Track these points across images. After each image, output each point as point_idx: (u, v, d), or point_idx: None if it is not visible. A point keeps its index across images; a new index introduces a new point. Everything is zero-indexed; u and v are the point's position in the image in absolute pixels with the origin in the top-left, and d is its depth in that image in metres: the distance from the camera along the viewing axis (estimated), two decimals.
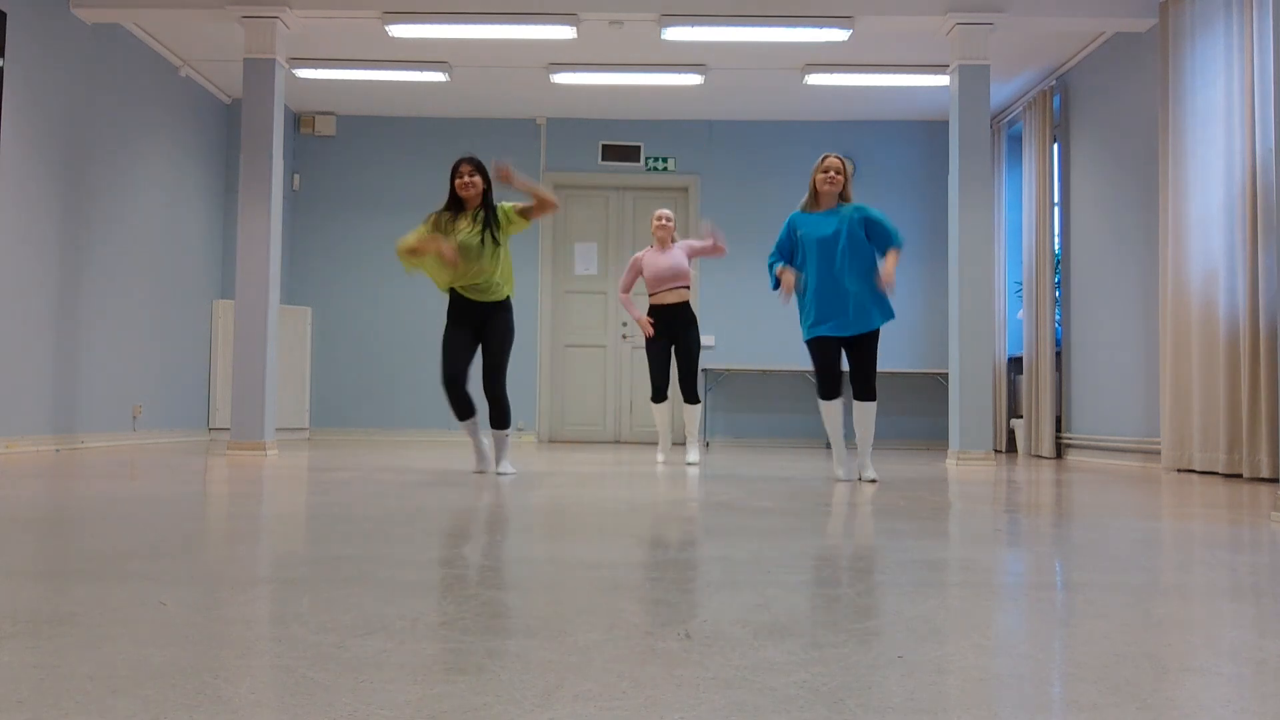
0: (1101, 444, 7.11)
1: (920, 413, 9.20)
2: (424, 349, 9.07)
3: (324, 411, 9.15)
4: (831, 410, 4.80)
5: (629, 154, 9.27)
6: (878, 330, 4.72)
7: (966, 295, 6.40)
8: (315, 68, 7.82)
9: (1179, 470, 5.89)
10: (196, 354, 8.28)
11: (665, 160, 9.27)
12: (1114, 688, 1.26)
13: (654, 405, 6.20)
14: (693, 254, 6.12)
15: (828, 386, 4.76)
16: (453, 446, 7.84)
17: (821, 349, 4.73)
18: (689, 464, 5.94)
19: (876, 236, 4.70)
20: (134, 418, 7.31)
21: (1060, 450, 7.74)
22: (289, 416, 8.76)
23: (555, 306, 9.31)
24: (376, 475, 4.63)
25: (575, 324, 9.35)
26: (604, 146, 9.27)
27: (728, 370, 9.04)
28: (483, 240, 4.78)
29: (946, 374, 8.63)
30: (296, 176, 9.20)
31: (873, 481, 4.72)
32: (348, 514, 3.04)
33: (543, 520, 2.98)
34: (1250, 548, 2.61)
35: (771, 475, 5.11)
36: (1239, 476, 5.43)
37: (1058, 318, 7.83)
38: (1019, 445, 8.12)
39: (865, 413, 4.75)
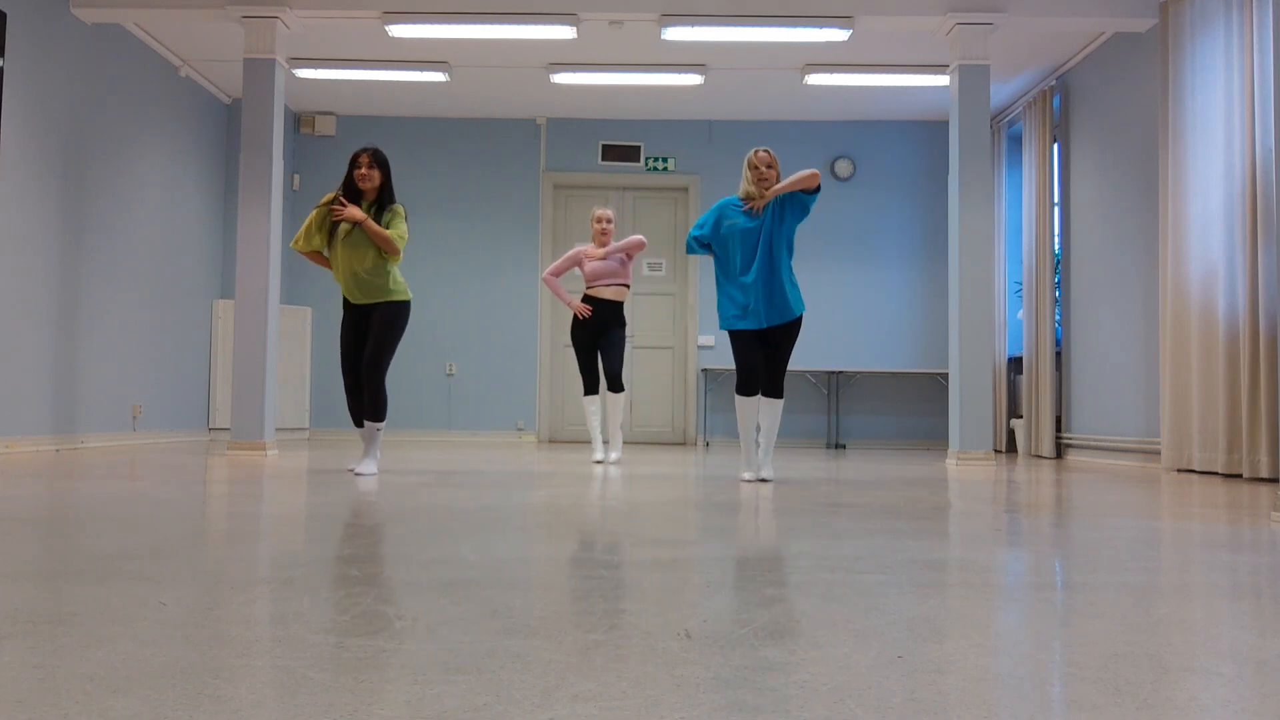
0: (1101, 444, 7.11)
1: (920, 413, 9.21)
2: (423, 349, 9.08)
3: (324, 411, 9.14)
4: (749, 407, 4.70)
5: (629, 154, 9.27)
6: (797, 327, 4.64)
7: (966, 295, 6.40)
8: (315, 68, 7.82)
9: (1179, 470, 5.89)
10: (196, 354, 8.28)
11: (665, 160, 9.26)
12: (1114, 688, 1.26)
13: (585, 400, 6.06)
14: (628, 257, 6.04)
15: (748, 382, 4.68)
16: (452, 446, 7.84)
17: (744, 342, 4.66)
18: (599, 461, 5.85)
19: (795, 205, 4.57)
20: (134, 418, 7.31)
21: (1060, 450, 7.74)
22: (289, 416, 8.76)
23: (555, 306, 9.30)
24: (376, 475, 4.62)
25: None
26: (604, 146, 9.27)
27: (727, 370, 9.04)
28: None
29: (946, 374, 8.63)
30: (296, 176, 9.20)
31: (765, 481, 4.63)
32: (348, 514, 3.04)
33: (542, 520, 2.98)
34: (1250, 548, 2.61)
35: (771, 475, 5.10)
36: (1239, 476, 5.43)
37: (1058, 318, 7.83)
38: (1019, 445, 8.12)
39: (772, 409, 4.69)
